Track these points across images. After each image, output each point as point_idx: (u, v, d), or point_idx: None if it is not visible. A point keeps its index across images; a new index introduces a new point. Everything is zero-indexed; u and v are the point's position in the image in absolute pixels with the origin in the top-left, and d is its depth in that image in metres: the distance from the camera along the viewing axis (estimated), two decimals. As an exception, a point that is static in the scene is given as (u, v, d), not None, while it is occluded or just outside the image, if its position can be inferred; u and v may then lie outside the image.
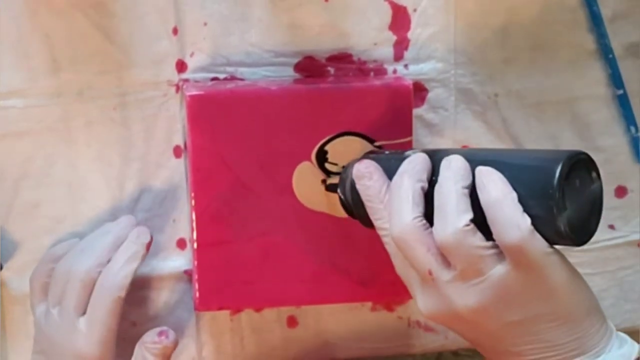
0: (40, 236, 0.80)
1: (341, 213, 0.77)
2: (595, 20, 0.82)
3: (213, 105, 0.76)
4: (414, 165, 0.66)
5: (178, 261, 0.82)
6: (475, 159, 0.65)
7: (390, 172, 0.68)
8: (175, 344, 0.75)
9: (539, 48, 0.82)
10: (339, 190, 0.74)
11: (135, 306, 0.81)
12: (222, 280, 0.78)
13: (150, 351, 0.75)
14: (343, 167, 0.75)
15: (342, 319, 0.84)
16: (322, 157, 0.77)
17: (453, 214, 0.63)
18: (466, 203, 0.63)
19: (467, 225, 0.63)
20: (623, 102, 0.83)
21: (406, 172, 0.66)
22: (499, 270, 0.63)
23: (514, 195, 0.62)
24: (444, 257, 0.64)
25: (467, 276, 0.63)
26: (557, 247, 0.63)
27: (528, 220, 0.62)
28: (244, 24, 0.80)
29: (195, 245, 0.77)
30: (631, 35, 0.83)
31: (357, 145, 0.77)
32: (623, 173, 0.85)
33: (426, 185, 0.66)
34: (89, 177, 0.80)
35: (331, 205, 0.78)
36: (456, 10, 0.81)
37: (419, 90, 0.82)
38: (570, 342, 0.64)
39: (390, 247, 0.68)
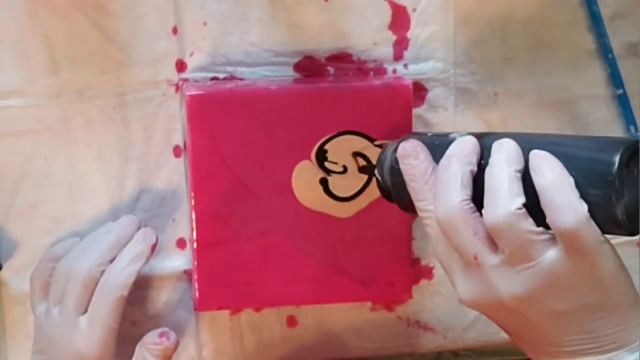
0: (40, 236, 0.80)
1: (341, 213, 0.77)
2: (595, 20, 0.82)
3: (213, 105, 0.76)
4: (464, 148, 0.65)
5: (178, 261, 0.82)
6: (526, 144, 0.64)
7: (435, 155, 0.67)
8: (176, 345, 0.75)
9: (539, 48, 0.82)
10: (376, 172, 0.72)
11: (135, 306, 0.81)
12: (222, 280, 0.78)
13: (151, 352, 0.75)
14: (381, 147, 0.73)
15: (342, 319, 0.84)
16: (322, 156, 0.77)
17: (506, 196, 0.62)
18: (519, 187, 0.62)
19: (520, 209, 0.62)
20: (623, 102, 0.83)
21: (455, 154, 0.65)
22: (550, 256, 0.62)
23: (572, 180, 0.61)
24: (492, 242, 0.63)
25: (515, 261, 0.62)
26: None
27: (585, 206, 0.61)
28: (244, 24, 0.80)
29: (195, 245, 0.78)
30: (631, 35, 0.83)
31: (358, 144, 0.77)
32: (623, 173, 0.85)
33: (475, 168, 0.65)
34: (88, 177, 0.80)
35: (331, 205, 0.78)
36: (456, 10, 0.81)
37: (419, 90, 0.82)
38: (613, 334, 0.63)
39: (433, 230, 0.66)
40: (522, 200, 0.62)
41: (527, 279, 0.62)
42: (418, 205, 0.67)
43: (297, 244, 0.78)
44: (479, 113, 0.83)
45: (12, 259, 0.80)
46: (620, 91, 0.83)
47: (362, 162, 0.77)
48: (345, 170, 0.78)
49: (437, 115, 0.82)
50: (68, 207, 0.80)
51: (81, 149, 0.79)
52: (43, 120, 0.79)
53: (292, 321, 0.84)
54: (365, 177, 0.78)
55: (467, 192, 0.64)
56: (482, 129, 0.83)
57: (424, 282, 0.84)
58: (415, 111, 0.81)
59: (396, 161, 0.69)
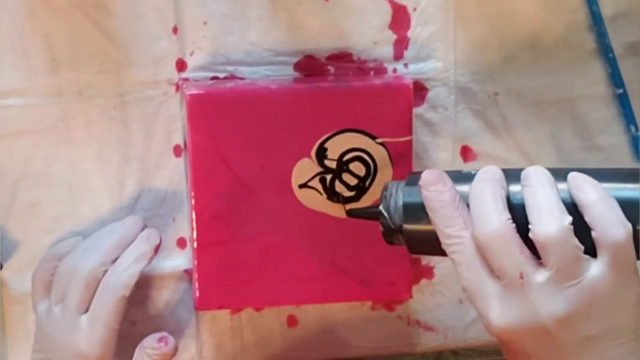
0: (40, 236, 0.80)
1: (342, 213, 0.77)
2: (595, 20, 0.82)
3: (213, 104, 0.76)
4: (494, 174, 0.66)
5: (178, 260, 0.82)
6: (551, 172, 0.66)
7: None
8: (175, 350, 0.75)
9: (539, 47, 0.82)
10: (381, 207, 0.69)
11: (136, 305, 0.81)
12: (222, 280, 0.78)
13: (149, 356, 0.75)
14: (383, 191, 0.70)
15: (342, 318, 0.84)
16: (321, 154, 0.77)
17: (556, 212, 0.63)
18: (562, 206, 0.63)
19: (571, 224, 0.62)
20: (623, 102, 0.83)
21: (487, 179, 0.65)
22: (593, 272, 0.62)
23: (613, 198, 0.63)
24: (536, 259, 0.63)
25: (561, 278, 0.62)
26: None
27: (629, 223, 0.63)
28: (244, 23, 0.80)
29: (195, 244, 0.78)
30: (631, 35, 0.83)
31: (358, 141, 0.77)
32: (623, 172, 0.85)
33: (505, 192, 0.65)
34: (88, 176, 0.80)
35: (331, 205, 0.78)
36: (456, 9, 0.81)
37: (419, 89, 0.82)
38: None
39: (462, 257, 0.65)
40: (570, 217, 0.63)
41: (570, 297, 0.62)
42: (447, 231, 0.65)
43: (297, 244, 0.78)
44: (479, 113, 0.83)
45: (12, 259, 0.80)
46: (620, 90, 0.83)
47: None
48: (346, 169, 0.78)
49: (437, 114, 0.82)
50: (68, 206, 0.80)
51: (81, 148, 0.79)
52: (43, 120, 0.79)
53: (292, 321, 0.84)
54: (366, 178, 0.78)
55: (507, 213, 0.64)
56: (482, 128, 0.83)
57: (424, 281, 0.84)
58: (415, 110, 0.81)
59: (410, 194, 0.68)
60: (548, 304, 0.63)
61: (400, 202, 0.68)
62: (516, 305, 0.63)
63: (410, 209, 0.68)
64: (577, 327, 0.63)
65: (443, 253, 0.66)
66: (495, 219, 0.64)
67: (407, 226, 0.68)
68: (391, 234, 0.69)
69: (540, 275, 0.63)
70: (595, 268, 0.63)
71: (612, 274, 0.62)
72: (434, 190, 0.66)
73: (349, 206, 0.78)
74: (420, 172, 0.67)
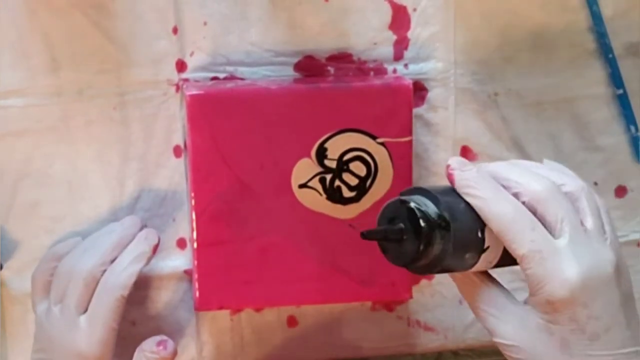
0: (40, 236, 0.80)
1: (342, 214, 0.77)
2: (595, 20, 0.82)
3: (213, 104, 0.76)
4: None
5: (178, 261, 0.82)
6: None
7: (448, 199, 0.64)
8: (174, 354, 0.75)
9: (539, 48, 0.82)
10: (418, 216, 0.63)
11: (135, 306, 0.81)
12: (222, 280, 0.78)
13: (148, 359, 0.75)
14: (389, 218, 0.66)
15: (342, 318, 0.84)
16: (321, 153, 0.77)
17: (569, 173, 0.67)
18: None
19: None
20: (623, 102, 0.83)
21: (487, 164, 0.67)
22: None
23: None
24: None
25: (600, 228, 0.65)
26: None
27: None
28: (244, 24, 0.80)
29: (195, 245, 0.77)
30: (631, 35, 0.83)
31: (358, 141, 0.77)
32: (623, 173, 0.85)
33: None
34: (88, 176, 0.80)
35: (332, 207, 0.78)
36: (456, 9, 0.81)
37: (419, 90, 0.82)
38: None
39: (524, 219, 0.63)
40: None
41: (611, 246, 0.65)
42: (498, 204, 0.64)
43: (297, 244, 0.78)
44: (479, 113, 0.83)
45: (12, 259, 0.80)
46: (620, 91, 0.83)
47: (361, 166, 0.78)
48: (346, 168, 0.78)
49: (437, 114, 0.82)
50: (68, 206, 0.80)
51: (81, 148, 0.79)
52: (43, 120, 0.79)
53: (292, 321, 0.84)
54: (367, 178, 0.78)
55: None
56: (482, 128, 0.83)
57: (424, 282, 0.84)
58: (415, 111, 0.81)
59: (431, 196, 0.64)
60: (606, 251, 0.64)
61: (432, 205, 0.64)
62: (585, 252, 0.63)
63: (448, 205, 0.64)
64: (621, 280, 0.64)
65: (481, 250, 0.64)
66: (539, 178, 0.65)
67: (454, 223, 0.63)
68: (431, 243, 0.63)
69: (589, 223, 0.65)
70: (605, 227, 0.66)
71: (615, 236, 0.66)
72: (468, 169, 0.65)
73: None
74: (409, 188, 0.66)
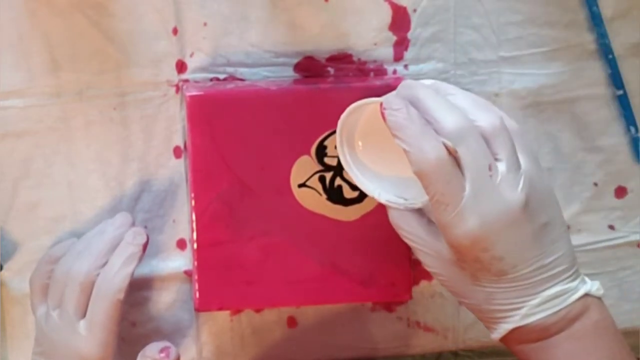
0: (39, 236, 0.80)
1: (344, 216, 0.77)
2: (595, 20, 0.82)
3: (213, 105, 0.76)
4: (416, 83, 0.70)
5: (178, 261, 0.82)
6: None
7: None
8: None
9: (539, 48, 0.82)
10: None
11: (136, 306, 0.81)
12: (222, 280, 0.78)
13: None
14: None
15: (342, 319, 0.84)
16: (321, 152, 0.77)
17: (488, 106, 0.68)
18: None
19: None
20: (623, 102, 0.83)
21: (418, 86, 0.69)
22: (522, 162, 0.67)
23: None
24: None
25: (512, 167, 0.66)
26: None
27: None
28: (244, 24, 0.80)
29: (195, 245, 0.77)
30: (631, 35, 0.83)
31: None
32: (623, 173, 0.85)
33: None
34: (88, 177, 0.80)
35: (333, 208, 0.78)
36: (456, 10, 0.81)
37: (419, 90, 0.82)
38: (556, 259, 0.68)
39: (436, 166, 0.66)
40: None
41: (524, 185, 0.66)
42: (415, 144, 0.67)
43: (297, 244, 0.78)
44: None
45: (12, 259, 0.80)
46: (620, 91, 0.83)
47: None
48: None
49: (437, 115, 0.82)
50: (68, 207, 0.80)
51: (81, 148, 0.79)
52: (43, 120, 0.79)
53: (292, 321, 0.84)
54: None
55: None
56: (482, 129, 0.83)
57: (423, 282, 0.84)
58: (415, 111, 0.81)
59: None
60: (513, 193, 0.66)
61: None
62: (488, 200, 0.66)
63: None
64: (534, 215, 0.66)
65: None
66: (458, 115, 0.67)
67: None
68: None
69: (501, 165, 0.66)
70: (521, 159, 0.67)
71: (533, 164, 0.68)
72: (398, 108, 0.68)
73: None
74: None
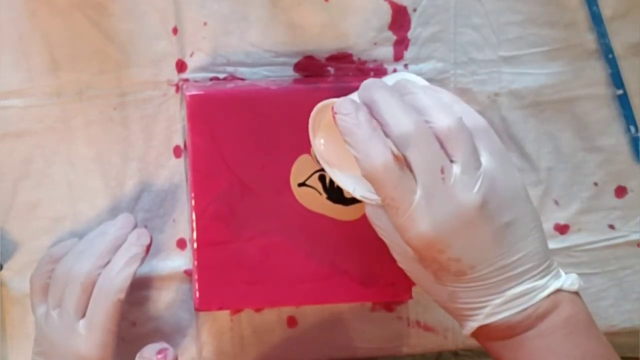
0: (39, 236, 0.80)
1: (344, 216, 0.77)
2: (595, 20, 0.82)
3: (213, 105, 0.76)
4: (375, 82, 0.70)
5: (178, 261, 0.82)
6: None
7: None
8: None
9: (539, 47, 0.82)
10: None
11: (135, 306, 0.81)
12: (222, 280, 0.78)
13: None
14: None
15: (342, 319, 0.84)
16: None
17: (444, 107, 0.67)
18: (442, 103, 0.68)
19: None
20: (623, 102, 0.83)
21: (376, 87, 0.69)
22: (483, 160, 0.67)
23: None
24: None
25: (469, 168, 0.66)
26: None
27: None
28: (244, 24, 0.80)
29: (195, 245, 0.77)
30: (631, 35, 0.83)
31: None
32: (623, 173, 0.85)
33: None
34: (88, 177, 0.80)
35: (333, 208, 0.78)
36: (456, 9, 0.81)
37: (419, 90, 0.82)
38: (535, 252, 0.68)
39: (386, 171, 0.66)
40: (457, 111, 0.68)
41: (481, 186, 0.66)
42: (365, 150, 0.67)
43: (297, 244, 0.78)
44: (479, 113, 0.82)
45: (12, 259, 0.80)
46: (620, 91, 0.83)
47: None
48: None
49: (437, 115, 0.82)
50: (68, 207, 0.80)
51: (81, 148, 0.79)
52: (43, 120, 0.79)
53: (292, 321, 0.84)
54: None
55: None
56: (482, 129, 0.83)
57: (424, 282, 0.84)
58: (415, 111, 0.81)
59: None
60: (468, 195, 0.66)
61: None
62: (440, 203, 0.65)
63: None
64: (494, 215, 0.66)
65: None
66: (410, 118, 0.66)
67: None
68: None
69: (456, 167, 0.66)
70: (483, 158, 0.66)
71: (497, 162, 0.67)
72: (348, 113, 0.68)
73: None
74: None
